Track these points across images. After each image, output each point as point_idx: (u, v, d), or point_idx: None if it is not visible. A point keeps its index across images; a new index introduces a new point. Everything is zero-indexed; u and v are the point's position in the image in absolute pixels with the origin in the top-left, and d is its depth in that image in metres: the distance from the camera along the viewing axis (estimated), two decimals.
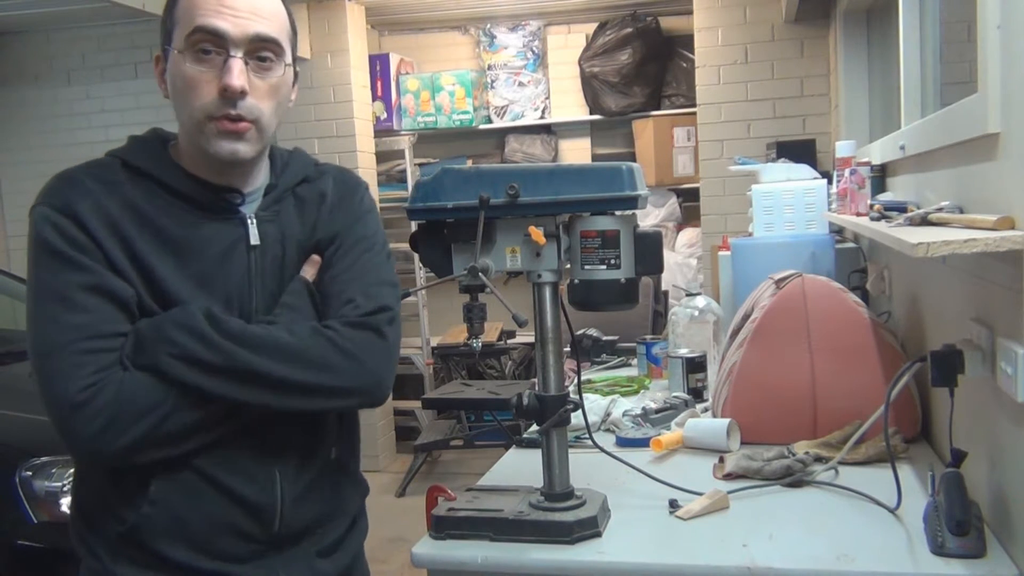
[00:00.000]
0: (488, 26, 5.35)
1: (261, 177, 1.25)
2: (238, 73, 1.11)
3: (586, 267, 1.35)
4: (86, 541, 1.19)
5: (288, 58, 1.19)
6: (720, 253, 2.84)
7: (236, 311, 1.18)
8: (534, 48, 5.32)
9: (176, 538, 1.14)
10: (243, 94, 1.12)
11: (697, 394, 2.13)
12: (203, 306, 1.14)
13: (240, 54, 1.12)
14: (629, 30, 4.98)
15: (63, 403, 1.08)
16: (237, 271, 1.19)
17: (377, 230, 1.30)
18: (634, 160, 2.61)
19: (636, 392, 2.30)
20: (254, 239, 1.20)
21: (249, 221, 1.21)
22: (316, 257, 1.24)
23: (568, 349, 2.01)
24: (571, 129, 5.40)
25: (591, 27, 5.19)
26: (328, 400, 1.17)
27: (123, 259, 1.12)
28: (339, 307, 1.19)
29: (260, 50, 1.14)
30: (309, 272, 1.23)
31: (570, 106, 5.33)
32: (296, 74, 1.24)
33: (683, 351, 2.21)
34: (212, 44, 1.12)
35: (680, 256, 5.00)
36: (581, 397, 1.45)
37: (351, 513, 1.32)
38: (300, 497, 1.20)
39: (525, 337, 4.97)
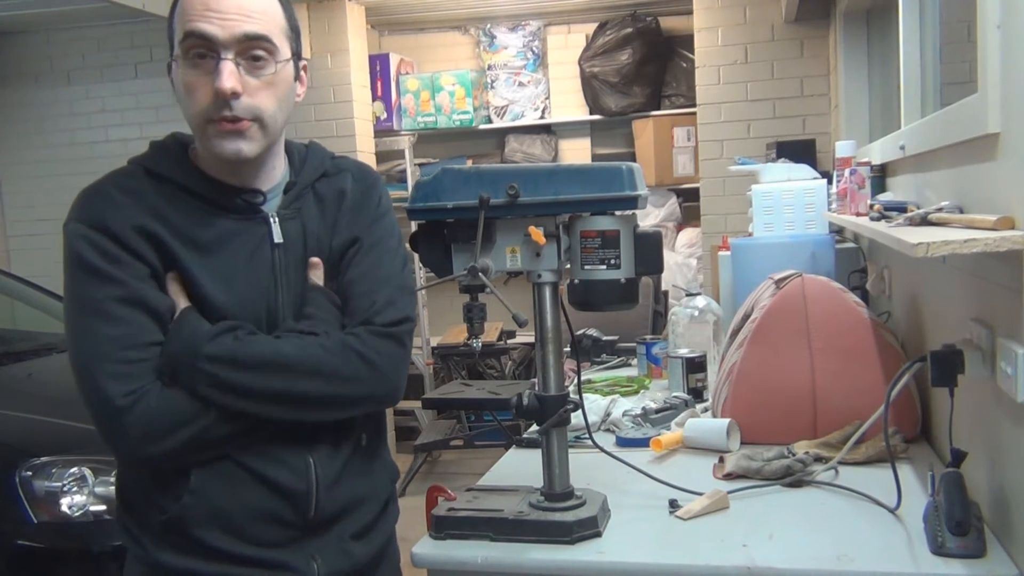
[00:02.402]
0: (488, 26, 5.34)
1: (279, 174, 1.27)
2: (227, 75, 1.12)
3: (586, 267, 1.35)
4: (130, 530, 1.22)
5: (284, 54, 1.19)
6: (720, 253, 2.84)
7: (264, 309, 1.21)
8: (534, 48, 5.32)
9: (215, 526, 1.18)
10: (235, 95, 1.13)
11: (697, 394, 2.13)
12: (230, 327, 1.17)
13: (230, 56, 1.13)
14: (629, 30, 4.98)
15: (107, 409, 1.12)
16: (263, 270, 1.22)
17: (395, 231, 1.33)
18: (634, 160, 2.61)
19: (636, 392, 2.30)
20: (277, 237, 1.23)
21: (272, 220, 1.23)
22: (316, 260, 1.26)
23: (568, 349, 2.01)
24: (571, 129, 5.40)
25: (591, 27, 5.19)
26: (351, 408, 1.24)
27: (160, 266, 1.17)
28: (365, 312, 1.23)
29: (251, 49, 1.15)
30: (318, 276, 1.25)
31: (570, 106, 5.33)
32: (303, 68, 1.25)
33: (683, 351, 2.21)
34: (203, 48, 1.13)
35: (680, 256, 5.00)
36: (581, 397, 1.45)
37: (383, 496, 1.34)
38: (334, 482, 1.23)
39: (525, 337, 4.97)
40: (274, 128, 1.20)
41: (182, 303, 1.18)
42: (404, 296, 1.27)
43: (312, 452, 1.22)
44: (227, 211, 1.21)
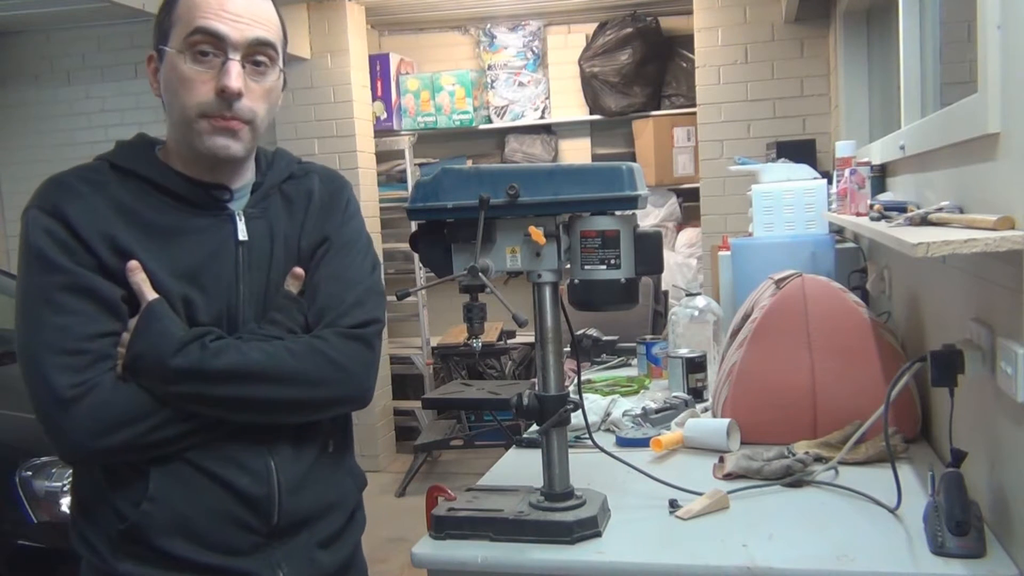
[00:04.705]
0: (488, 26, 5.35)
1: (248, 175, 1.27)
2: (236, 76, 1.14)
3: (586, 267, 1.35)
4: (87, 538, 1.19)
5: (280, 63, 1.22)
6: (720, 253, 2.84)
7: (224, 306, 1.20)
8: (534, 48, 5.32)
9: (177, 533, 1.15)
10: (239, 96, 1.15)
11: (697, 394, 2.13)
12: (198, 334, 1.15)
13: (238, 57, 1.15)
14: (629, 30, 4.98)
15: (50, 399, 1.10)
16: (226, 267, 1.21)
17: (363, 234, 1.33)
18: (634, 160, 2.61)
19: (636, 392, 2.30)
20: (242, 235, 1.22)
21: (237, 217, 1.23)
22: (299, 271, 1.25)
23: (568, 349, 2.01)
24: (571, 129, 5.40)
25: (591, 27, 5.20)
26: (321, 411, 1.23)
27: (112, 257, 1.14)
28: (332, 314, 1.23)
29: (257, 54, 1.17)
30: (293, 285, 1.24)
31: (570, 106, 5.33)
32: (285, 80, 1.26)
33: (683, 351, 2.21)
34: (211, 46, 1.14)
35: (680, 256, 5.00)
36: (581, 397, 1.45)
37: (349, 505, 1.33)
38: (297, 487, 1.21)
39: (525, 337, 4.97)
40: (261, 132, 1.22)
41: (149, 294, 1.14)
42: (372, 298, 1.27)
43: (274, 455, 1.20)
44: (193, 206, 1.20)
